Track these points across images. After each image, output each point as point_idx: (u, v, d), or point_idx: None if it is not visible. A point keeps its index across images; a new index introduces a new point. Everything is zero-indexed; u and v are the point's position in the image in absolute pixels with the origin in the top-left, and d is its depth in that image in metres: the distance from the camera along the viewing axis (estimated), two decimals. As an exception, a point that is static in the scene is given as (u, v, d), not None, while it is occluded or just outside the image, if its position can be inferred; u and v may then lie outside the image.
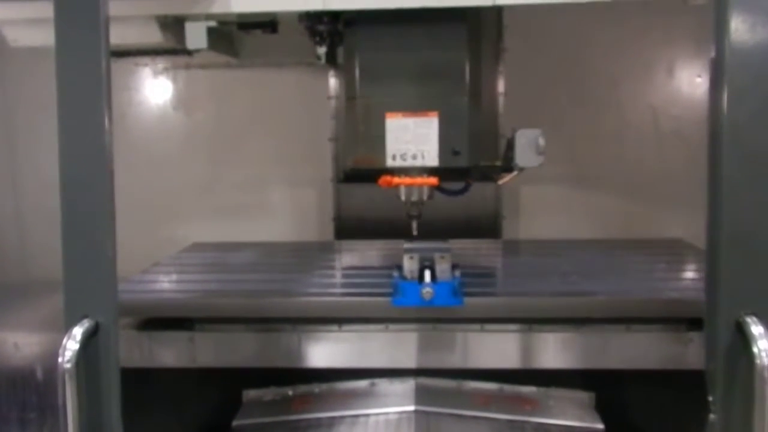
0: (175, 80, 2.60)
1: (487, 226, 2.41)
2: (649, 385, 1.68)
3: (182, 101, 2.60)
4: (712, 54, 1.17)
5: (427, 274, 1.66)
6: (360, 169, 1.72)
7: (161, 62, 2.58)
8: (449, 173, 1.73)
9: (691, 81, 2.49)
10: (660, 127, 2.52)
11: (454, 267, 1.71)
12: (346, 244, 2.38)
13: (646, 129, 2.52)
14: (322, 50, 1.89)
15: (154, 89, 2.61)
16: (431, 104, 1.66)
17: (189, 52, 1.95)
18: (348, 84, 1.74)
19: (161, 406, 1.71)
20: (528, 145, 1.69)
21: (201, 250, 2.40)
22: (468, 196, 1.86)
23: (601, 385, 1.68)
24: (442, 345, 1.68)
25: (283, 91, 2.54)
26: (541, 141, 1.69)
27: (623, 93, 2.51)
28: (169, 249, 2.36)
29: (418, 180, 1.70)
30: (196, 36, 1.73)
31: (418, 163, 1.67)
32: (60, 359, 1.13)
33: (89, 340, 1.17)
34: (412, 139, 1.66)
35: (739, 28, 1.13)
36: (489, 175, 1.80)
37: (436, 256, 1.73)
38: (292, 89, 2.54)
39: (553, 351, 1.67)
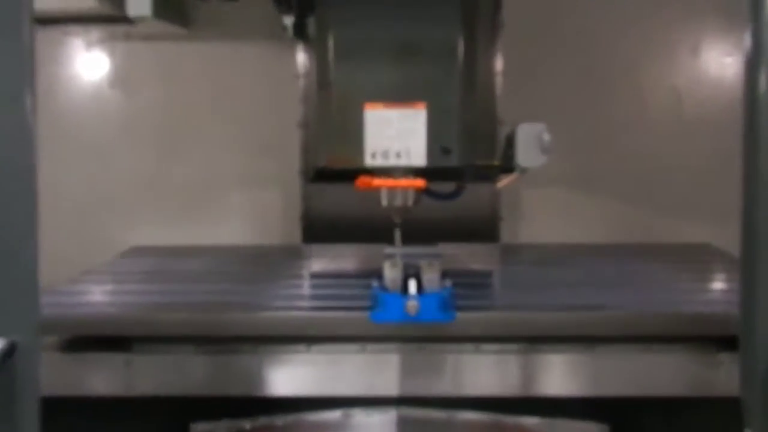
0: (112, 54, 2.57)
1: (482, 229, 2.40)
2: (672, 416, 1.68)
3: (121, 79, 2.58)
4: (748, 29, 1.16)
5: (412, 285, 1.64)
6: (334, 168, 1.73)
7: (96, 32, 2.56)
8: (439, 174, 1.73)
9: (720, 61, 2.52)
10: (684, 115, 2.55)
11: (443, 276, 1.69)
12: (315, 248, 2.38)
13: (668, 117, 2.55)
14: (289, 21, 1.89)
15: (88, 64, 2.58)
16: (418, 93, 1.66)
17: (130, 21, 1.93)
18: (320, 67, 1.72)
19: (91, 443, 1.71)
20: (531, 142, 1.70)
21: (142, 255, 2.37)
22: (461, 198, 1.88)
23: (616, 416, 1.68)
24: (429, 368, 1.67)
25: (242, 68, 2.54)
26: (546, 137, 1.69)
27: (641, 75, 2.53)
28: (104, 254, 2.33)
29: (403, 182, 1.70)
30: (138, 1, 1.70)
31: (403, 162, 1.66)
32: (-33, 385, 1.10)
33: (4, 362, 1.12)
34: (396, 135, 1.66)
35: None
36: (485, 176, 1.81)
37: (423, 263, 1.72)
38: (254, 66, 2.53)
39: (560, 375, 1.66)
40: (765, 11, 1.13)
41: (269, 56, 2.50)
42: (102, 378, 1.66)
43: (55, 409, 1.23)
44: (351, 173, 1.72)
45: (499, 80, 2.35)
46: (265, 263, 2.25)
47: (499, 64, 2.36)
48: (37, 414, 1.15)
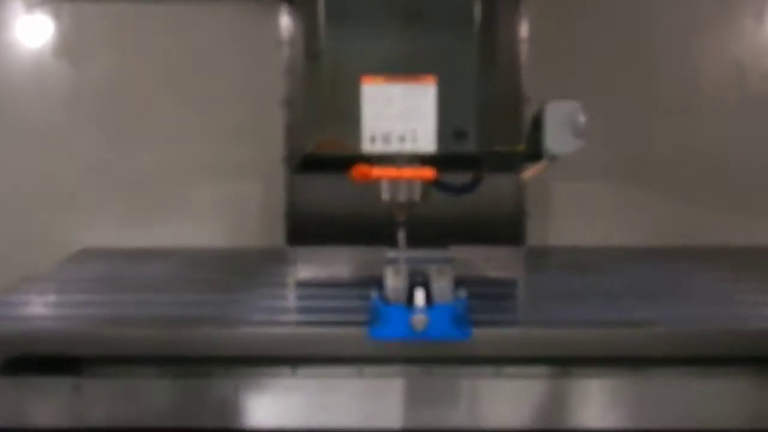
0: (58, 17, 2.57)
1: (504, 228, 2.43)
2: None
3: (68, 47, 2.57)
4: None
5: (419, 295, 1.65)
6: (325, 155, 1.74)
7: None
8: (451, 163, 1.74)
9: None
10: (747, 91, 2.56)
11: (457, 285, 1.70)
12: (302, 251, 2.39)
13: (728, 95, 2.56)
14: (269, -23, 1.91)
15: (28, 29, 2.58)
16: (427, 65, 1.67)
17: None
18: (307, 33, 1.74)
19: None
20: (562, 124, 1.72)
21: (95, 258, 2.37)
22: (478, 192, 1.88)
23: (665, 454, 1.71)
24: (439, 396, 1.67)
25: (213, 35, 2.54)
26: (581, 118, 1.71)
27: (695, 46, 2.54)
28: (48, 257, 2.33)
29: (408, 172, 1.71)
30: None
31: (408, 148, 1.68)
32: None
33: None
34: (400, 115, 1.67)
35: None
36: (508, 164, 1.83)
37: (432, 269, 1.73)
38: (227, 33, 2.53)
39: (597, 405, 1.67)
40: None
41: (247, 19, 2.50)
42: (46, 406, 1.66)
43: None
44: (345, 161, 1.72)
45: (524, 49, 2.34)
46: (241, 269, 2.26)
47: (524, 30, 2.34)
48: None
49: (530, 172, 1.82)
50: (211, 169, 2.60)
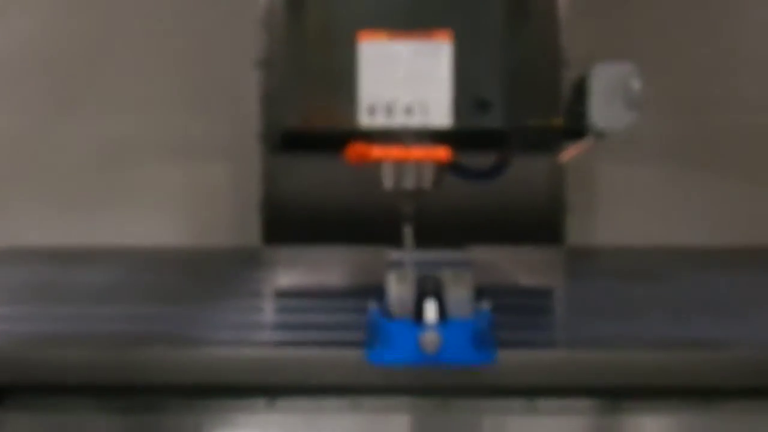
0: None
1: (538, 224, 2.44)
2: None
3: None
4: None
5: (431, 308, 1.64)
6: (312, 131, 1.76)
7: None
8: (472, 141, 1.74)
9: None
10: None
11: (478, 295, 1.69)
12: (283, 252, 2.41)
13: None
14: None
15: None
16: (440, 17, 1.69)
17: None
18: None
19: None
20: (612, 93, 1.72)
21: (18, 260, 2.39)
22: (505, 178, 1.88)
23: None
24: (456, 435, 1.70)
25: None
26: (635, 84, 1.71)
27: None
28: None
29: (417, 153, 1.72)
30: None
31: (417, 121, 1.68)
32: None
33: None
34: (407, 80, 1.67)
35: None
36: (542, 143, 1.82)
37: (448, 275, 1.72)
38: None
39: (659, 447, 1.70)
40: None
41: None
42: None
43: None
44: (337, 138, 1.72)
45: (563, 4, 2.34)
46: (206, 274, 2.29)
47: None
48: None
49: (571, 152, 1.81)
50: (167, 147, 2.63)
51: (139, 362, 1.69)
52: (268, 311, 2.05)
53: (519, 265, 2.30)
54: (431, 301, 1.65)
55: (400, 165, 1.75)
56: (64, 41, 2.60)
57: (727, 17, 2.57)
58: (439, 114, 1.67)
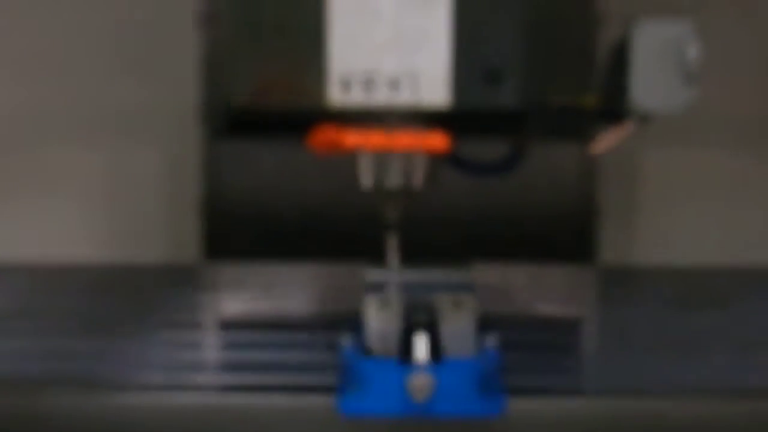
0: None
1: (564, 234, 2.42)
2: None
3: None
4: None
5: (422, 344, 1.62)
6: (267, 108, 1.73)
7: None
8: (478, 125, 1.73)
9: None
10: None
11: (483, 327, 1.66)
12: (229, 269, 2.39)
13: None
14: None
15: None
16: None
17: None
18: None
19: None
20: (661, 60, 1.69)
21: None
22: (521, 173, 1.88)
23: None
24: None
25: None
26: (692, 51, 1.66)
27: None
28: None
29: (405, 140, 1.69)
30: None
31: (405, 99, 1.64)
32: None
33: None
34: (392, 42, 1.64)
35: None
36: (570, 128, 1.82)
37: (444, 301, 1.70)
38: None
39: None
40: None
41: None
42: None
43: None
44: (300, 120, 1.69)
45: None
46: (129, 297, 2.26)
47: None
48: None
49: (606, 141, 1.76)
50: (78, 126, 2.59)
51: (45, 411, 1.69)
52: (211, 347, 2.03)
53: (537, 289, 2.27)
54: (422, 335, 1.63)
55: (382, 156, 1.73)
56: None
57: None
58: (435, 89, 1.64)
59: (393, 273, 1.76)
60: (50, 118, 2.61)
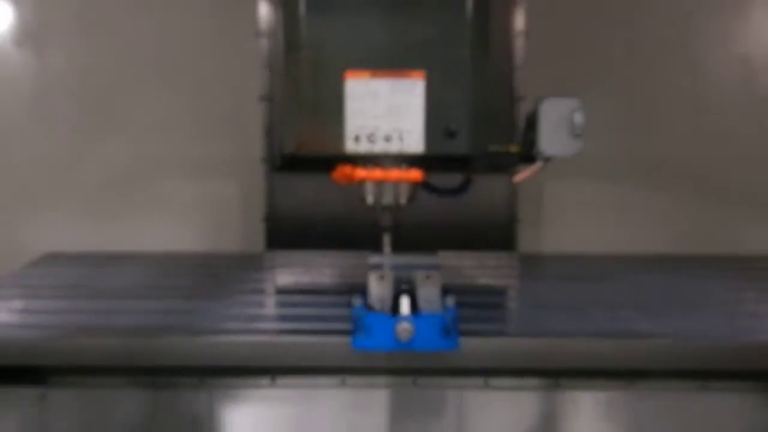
0: (18, 1, 2.56)
1: (496, 234, 2.43)
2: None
3: (29, 33, 2.58)
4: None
5: (405, 303, 1.69)
6: (305, 155, 1.77)
7: None
8: (441, 164, 1.76)
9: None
10: (755, 88, 2.57)
11: (445, 293, 1.73)
12: (282, 256, 2.40)
13: (735, 91, 2.57)
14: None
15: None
16: (415, 58, 1.70)
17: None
18: (288, 23, 1.76)
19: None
20: (558, 123, 1.74)
21: (58, 264, 2.40)
22: (468, 195, 1.90)
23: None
24: (425, 408, 1.72)
25: (188, 22, 2.56)
26: (579, 117, 1.73)
27: (702, 39, 2.55)
28: (9, 262, 2.37)
29: (394, 174, 1.74)
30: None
31: (395, 148, 1.70)
32: None
33: None
34: (386, 113, 1.69)
35: None
36: (500, 166, 1.84)
37: (419, 275, 1.77)
38: (203, 20, 2.56)
39: (591, 418, 1.72)
40: None
41: (224, 8, 2.52)
42: (9, 417, 1.70)
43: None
44: (328, 161, 1.75)
45: (519, 43, 2.28)
46: (217, 275, 2.30)
47: (519, 21, 2.28)
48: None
49: (524, 174, 1.84)
50: (185, 166, 2.62)
51: (160, 347, 1.73)
52: (270, 305, 2.06)
53: (479, 269, 2.31)
54: (405, 297, 1.69)
55: (380, 184, 1.77)
56: (100, 75, 2.57)
57: (656, 60, 2.56)
58: (414, 142, 1.70)
59: (387, 258, 1.81)
60: (167, 163, 2.64)
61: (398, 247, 1.84)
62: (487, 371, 1.74)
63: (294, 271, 2.32)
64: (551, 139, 1.75)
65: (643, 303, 2.03)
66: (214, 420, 1.73)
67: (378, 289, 1.72)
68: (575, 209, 2.62)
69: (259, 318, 1.93)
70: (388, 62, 1.70)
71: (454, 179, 1.88)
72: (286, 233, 2.43)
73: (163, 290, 2.15)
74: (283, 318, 1.98)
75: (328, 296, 2.03)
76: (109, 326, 1.84)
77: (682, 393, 1.73)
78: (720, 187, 2.60)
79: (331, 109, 1.70)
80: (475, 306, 1.92)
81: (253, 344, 1.75)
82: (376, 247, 1.85)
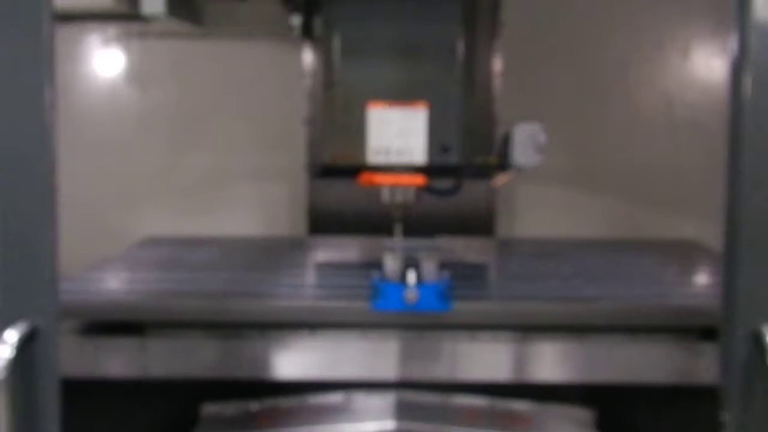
0: (128, 50, 2.55)
1: (479, 223, 2.42)
2: (656, 402, 1.70)
3: (136, 75, 2.56)
4: (733, 33, 1.15)
5: (411, 275, 1.65)
6: (338, 165, 1.75)
7: (112, 29, 2.52)
8: (438, 171, 1.76)
9: (709, 64, 2.50)
10: (674, 116, 2.54)
11: (441, 267, 1.70)
12: (320, 239, 2.38)
13: (659, 118, 2.53)
14: (296, 20, 1.92)
15: (104, 60, 2.55)
16: (419, 93, 1.69)
17: (145, 18, 1.91)
18: (325, 66, 1.74)
19: (107, 422, 1.69)
20: (527, 143, 1.73)
21: (155, 245, 2.39)
22: (459, 195, 1.90)
23: (603, 402, 1.69)
24: (426, 355, 1.68)
25: (251, 66, 2.53)
26: (541, 137, 1.72)
27: (633, 76, 2.52)
28: (119, 244, 2.35)
29: (403, 179, 1.72)
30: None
31: (404, 160, 1.69)
32: (-9, 367, 1.11)
33: (25, 346, 1.13)
34: (397, 133, 1.68)
35: (766, 2, 1.12)
36: (483, 173, 1.83)
37: (422, 254, 1.73)
38: (262, 64, 2.53)
39: (551, 363, 1.68)
40: (750, 16, 1.12)
41: (277, 54, 2.48)
42: (118, 361, 1.68)
43: (74, 389, 1.24)
44: (354, 170, 1.73)
45: (497, 80, 2.31)
46: (272, 253, 2.28)
47: (498, 64, 2.31)
48: (57, 393, 1.16)
49: (501, 179, 1.86)
50: (249, 173, 2.59)
51: (230, 308, 1.71)
52: (310, 276, 2.05)
53: (467, 249, 2.28)
54: (412, 270, 1.67)
55: (393, 187, 1.75)
56: (188, 106, 2.55)
57: (601, 95, 2.53)
58: (418, 155, 1.69)
59: (398, 242, 1.78)
60: (236, 171, 2.60)
61: (407, 233, 1.81)
62: (473, 327, 1.69)
63: (329, 251, 2.29)
64: (521, 154, 1.74)
65: (589, 275, 2.00)
66: (269, 362, 1.70)
67: (391, 264, 1.69)
68: (539, 205, 2.57)
69: (302, 286, 1.92)
70: (399, 96, 1.69)
71: (448, 183, 1.89)
72: (323, 223, 2.40)
73: (233, 264, 2.13)
74: (320, 286, 1.97)
75: (354, 270, 1.99)
76: (192, 291, 1.83)
77: (619, 343, 1.68)
78: (644, 188, 2.55)
79: (357, 130, 1.69)
80: (464, 277, 1.88)
81: (298, 306, 1.73)
82: (391, 233, 1.82)
